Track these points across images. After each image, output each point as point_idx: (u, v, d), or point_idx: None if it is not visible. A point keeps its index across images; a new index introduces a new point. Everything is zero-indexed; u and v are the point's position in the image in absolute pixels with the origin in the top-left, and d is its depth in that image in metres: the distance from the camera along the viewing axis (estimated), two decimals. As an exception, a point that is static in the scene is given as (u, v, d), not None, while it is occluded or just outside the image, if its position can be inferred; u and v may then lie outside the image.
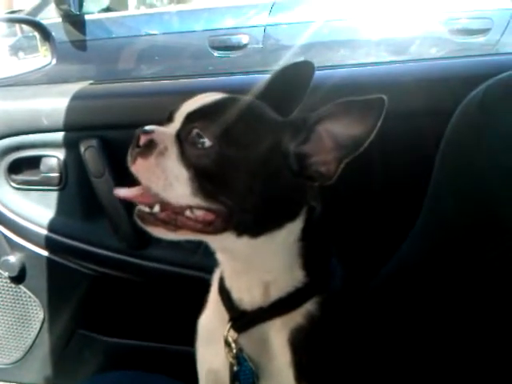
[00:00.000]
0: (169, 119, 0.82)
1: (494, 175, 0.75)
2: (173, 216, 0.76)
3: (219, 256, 0.87)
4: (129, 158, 0.78)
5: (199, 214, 0.76)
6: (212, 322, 0.93)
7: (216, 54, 3.22)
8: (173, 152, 0.76)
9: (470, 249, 0.79)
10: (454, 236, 0.82)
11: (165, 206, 0.76)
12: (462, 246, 0.81)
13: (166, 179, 0.74)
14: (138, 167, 0.77)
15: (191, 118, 0.77)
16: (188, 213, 0.76)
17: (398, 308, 0.93)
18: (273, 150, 0.76)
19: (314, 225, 0.82)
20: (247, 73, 1.75)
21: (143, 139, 0.76)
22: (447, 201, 0.83)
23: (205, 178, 0.74)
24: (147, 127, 0.78)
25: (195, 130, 0.74)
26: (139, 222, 0.79)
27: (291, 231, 0.81)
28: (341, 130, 0.72)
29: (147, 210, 0.78)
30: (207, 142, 0.74)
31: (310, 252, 0.83)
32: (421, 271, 0.90)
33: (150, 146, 0.76)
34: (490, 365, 0.81)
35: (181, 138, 0.76)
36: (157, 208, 0.77)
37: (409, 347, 0.92)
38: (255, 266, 0.83)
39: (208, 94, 0.82)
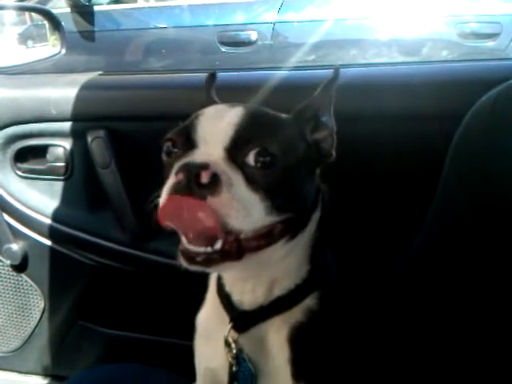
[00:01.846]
0: (187, 146, 0.74)
1: (506, 177, 0.75)
2: (235, 244, 0.70)
3: None
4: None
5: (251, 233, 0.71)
6: (211, 320, 0.92)
7: (224, 49, 3.22)
8: (239, 179, 0.69)
9: (481, 247, 0.79)
10: (464, 234, 0.82)
11: (227, 237, 0.69)
12: (472, 244, 0.81)
13: (244, 209, 0.68)
14: (211, 206, 0.66)
15: (240, 138, 0.72)
16: (243, 235, 0.70)
17: (403, 304, 0.93)
18: (307, 146, 0.80)
19: (325, 214, 0.84)
20: (254, 69, 1.75)
21: (206, 175, 0.66)
22: (457, 201, 0.83)
23: (274, 194, 0.71)
24: (199, 161, 0.69)
25: (254, 150, 0.70)
26: (201, 267, 0.69)
27: (314, 222, 0.83)
28: (323, 107, 0.85)
29: (205, 249, 0.69)
30: (269, 159, 0.71)
31: (317, 244, 0.84)
32: (427, 266, 0.90)
33: (215, 180, 0.67)
34: (492, 362, 0.81)
35: (237, 162, 0.71)
36: (219, 243, 0.69)
37: (409, 344, 0.91)
38: (270, 267, 0.82)
39: (211, 110, 0.78)
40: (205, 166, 0.67)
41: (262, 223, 0.71)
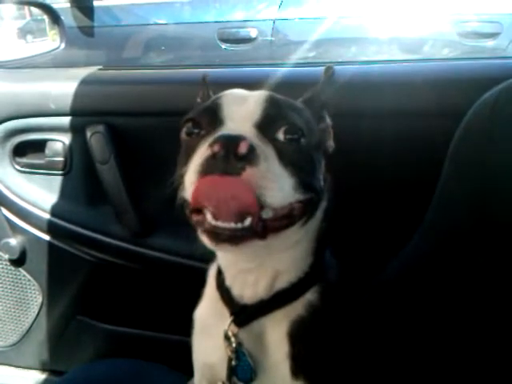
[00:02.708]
0: (213, 125, 0.74)
1: (506, 175, 0.75)
2: (261, 223, 0.68)
3: (226, 259, 0.87)
4: (218, 171, 0.66)
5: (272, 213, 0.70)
6: (209, 316, 0.92)
7: (224, 46, 3.21)
8: (272, 153, 0.70)
9: (478, 246, 0.79)
10: (462, 234, 0.82)
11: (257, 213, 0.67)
12: (470, 243, 0.80)
13: (277, 182, 0.68)
14: (250, 177, 0.66)
15: (268, 116, 0.74)
16: (269, 214, 0.69)
17: (401, 303, 0.93)
18: (318, 131, 0.85)
19: (329, 205, 0.85)
20: (254, 65, 1.74)
21: (245, 145, 0.66)
22: (456, 200, 0.83)
23: (300, 170, 0.72)
24: (235, 133, 0.68)
25: (284, 127, 0.73)
26: (227, 245, 0.67)
27: (321, 211, 0.84)
28: (322, 103, 0.91)
29: (235, 225, 0.66)
30: (296, 136, 0.73)
31: (321, 237, 0.85)
32: (426, 268, 0.90)
33: (252, 151, 0.67)
34: (491, 364, 0.81)
35: (268, 137, 0.72)
36: (248, 220, 0.66)
37: (408, 343, 0.92)
38: (277, 256, 0.82)
39: (232, 92, 0.80)
40: (242, 138, 0.66)
41: (290, 200, 0.71)
